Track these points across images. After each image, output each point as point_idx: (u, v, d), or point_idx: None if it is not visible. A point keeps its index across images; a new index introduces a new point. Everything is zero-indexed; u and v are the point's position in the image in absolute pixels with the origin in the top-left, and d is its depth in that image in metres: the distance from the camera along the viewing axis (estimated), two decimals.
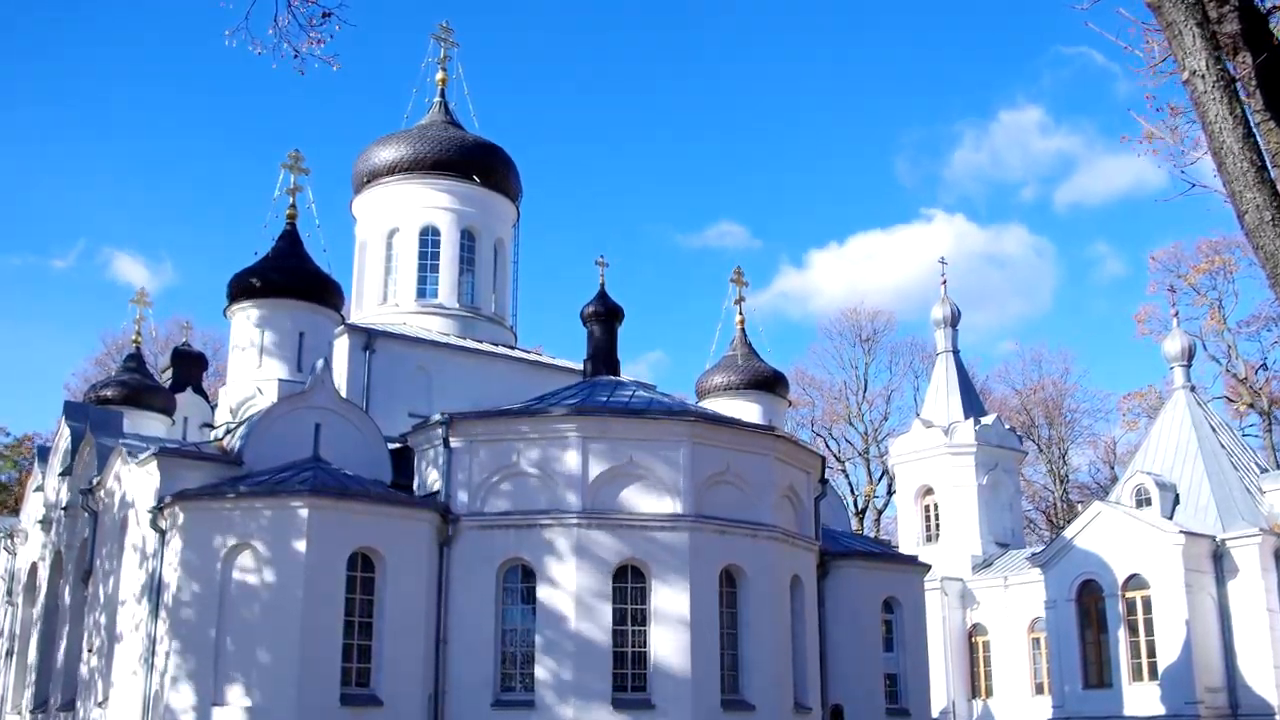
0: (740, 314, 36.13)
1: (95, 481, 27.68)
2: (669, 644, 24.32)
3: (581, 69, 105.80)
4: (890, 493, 63.57)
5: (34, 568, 32.44)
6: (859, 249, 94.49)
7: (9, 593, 34.48)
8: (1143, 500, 42.89)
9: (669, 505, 25.05)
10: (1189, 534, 40.35)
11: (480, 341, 34.74)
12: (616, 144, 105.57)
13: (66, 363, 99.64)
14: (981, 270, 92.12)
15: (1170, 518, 41.88)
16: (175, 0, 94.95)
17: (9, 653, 33.08)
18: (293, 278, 28.42)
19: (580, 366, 32.12)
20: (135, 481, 25.56)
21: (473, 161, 36.68)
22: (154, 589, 23.92)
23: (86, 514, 27.91)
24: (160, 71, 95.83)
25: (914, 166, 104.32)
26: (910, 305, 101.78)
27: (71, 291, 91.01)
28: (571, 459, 24.96)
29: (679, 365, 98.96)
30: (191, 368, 38.83)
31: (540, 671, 24.05)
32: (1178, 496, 43.05)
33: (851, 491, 67.41)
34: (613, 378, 29.81)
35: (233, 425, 27.11)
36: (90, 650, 26.47)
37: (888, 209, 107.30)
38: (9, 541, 35.13)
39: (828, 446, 66.77)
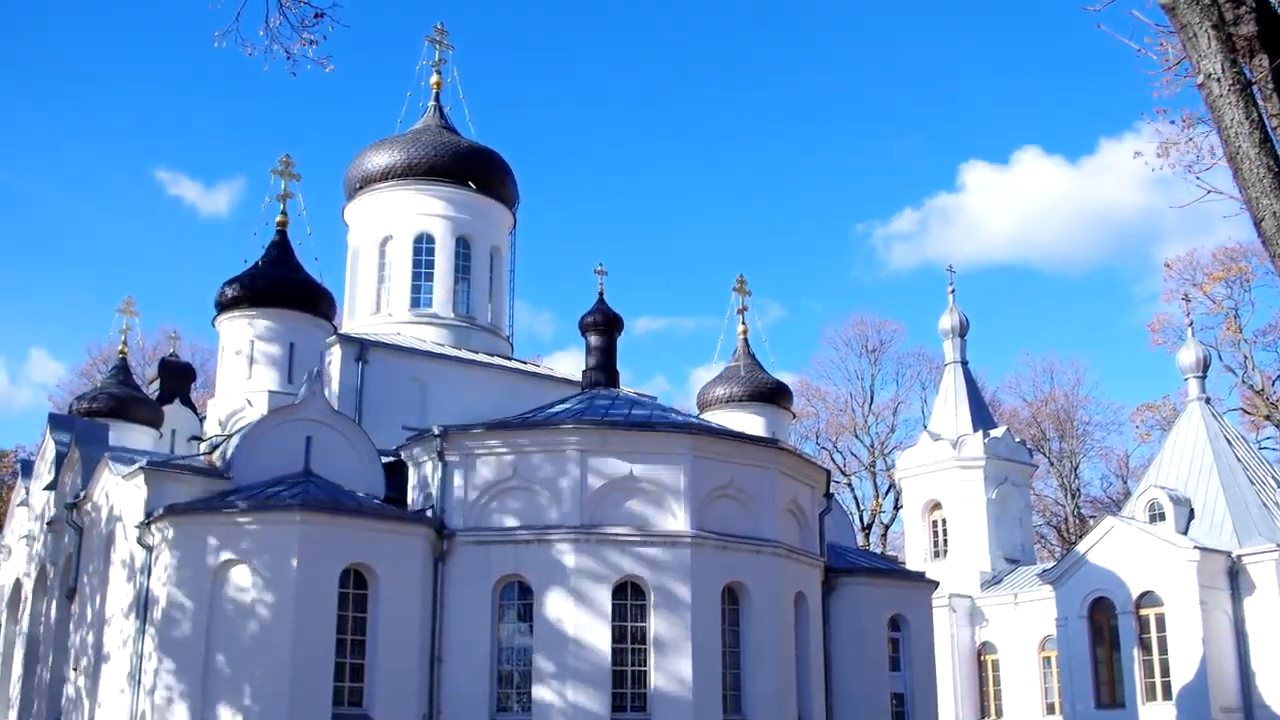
0: (743, 323, 35.64)
1: (81, 495, 27.28)
2: (670, 662, 23.98)
3: (580, 71, 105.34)
4: (897, 507, 62.90)
5: (18, 584, 32.00)
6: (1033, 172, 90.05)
7: None
8: (1156, 515, 42.25)
9: (670, 520, 24.71)
10: (1204, 550, 39.74)
11: (476, 352, 34.27)
12: (616, 147, 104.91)
13: (53, 372, 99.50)
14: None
15: (1185, 533, 41.27)
16: (160, 0, 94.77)
17: None
18: (283, 286, 28.07)
19: (579, 378, 31.67)
20: (122, 495, 25.18)
21: (468, 167, 36.13)
22: (142, 606, 23.61)
23: (72, 529, 27.51)
24: (148, 72, 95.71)
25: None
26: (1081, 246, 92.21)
27: (56, 303, 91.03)
28: (570, 473, 24.63)
29: (680, 376, 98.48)
30: (179, 379, 38.53)
31: (537, 691, 23.75)
32: (1192, 511, 42.42)
33: (857, 506, 66.75)
34: (612, 389, 29.52)
35: (222, 438, 26.73)
36: (76, 669, 26.05)
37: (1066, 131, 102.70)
38: None
39: (833, 460, 66.12)
